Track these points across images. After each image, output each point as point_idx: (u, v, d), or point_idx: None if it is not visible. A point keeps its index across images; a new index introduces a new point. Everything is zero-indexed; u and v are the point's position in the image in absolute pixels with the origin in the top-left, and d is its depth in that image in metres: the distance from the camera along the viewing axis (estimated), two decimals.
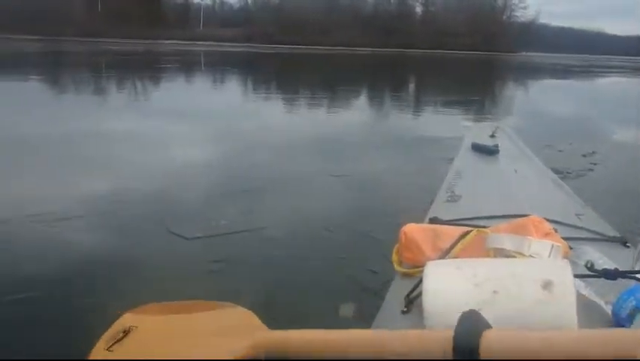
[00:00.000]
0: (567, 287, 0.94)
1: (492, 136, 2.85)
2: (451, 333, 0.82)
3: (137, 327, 1.31)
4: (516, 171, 2.25)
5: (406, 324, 1.05)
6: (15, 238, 2.48)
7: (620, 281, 1.06)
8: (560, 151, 5.24)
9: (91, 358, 1.22)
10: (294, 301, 1.94)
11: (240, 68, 20.52)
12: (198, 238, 2.48)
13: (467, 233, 1.27)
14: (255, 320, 1.18)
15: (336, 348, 0.97)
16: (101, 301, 1.78)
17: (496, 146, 2.60)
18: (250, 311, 1.21)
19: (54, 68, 16.18)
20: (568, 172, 4.27)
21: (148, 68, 18.42)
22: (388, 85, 16.55)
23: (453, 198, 1.85)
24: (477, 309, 0.95)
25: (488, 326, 0.85)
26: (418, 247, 1.29)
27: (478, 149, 2.60)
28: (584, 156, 5.05)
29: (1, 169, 3.78)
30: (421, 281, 1.04)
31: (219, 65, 22.16)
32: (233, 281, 2.08)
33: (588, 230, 1.53)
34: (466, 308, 0.96)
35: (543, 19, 78.82)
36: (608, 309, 1.03)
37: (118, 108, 8.10)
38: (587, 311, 1.00)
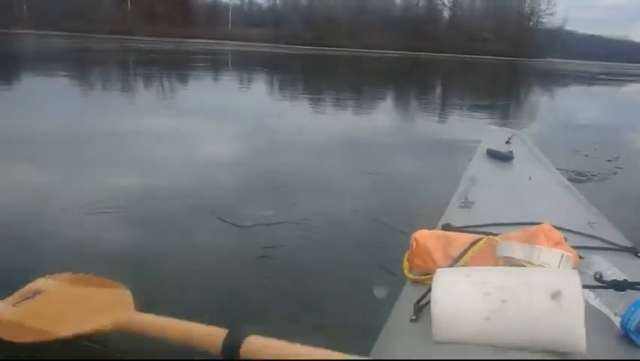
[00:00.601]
0: (576, 298, 0.94)
1: (507, 142, 2.85)
2: (224, 333, 1.01)
3: (45, 291, 1.62)
4: (530, 178, 2.24)
5: (414, 333, 1.06)
6: (78, 224, 2.66)
7: (630, 293, 1.06)
8: (586, 156, 5.27)
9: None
10: (329, 280, 2.14)
11: (270, 69, 20.61)
12: (247, 226, 2.68)
13: (478, 241, 1.28)
14: (129, 301, 1.45)
15: (160, 333, 1.26)
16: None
17: (511, 152, 2.60)
18: (129, 293, 1.49)
19: (88, 66, 16.46)
20: (592, 175, 4.37)
21: (180, 66, 18.66)
22: (417, 87, 16.50)
23: (466, 205, 1.85)
24: (485, 318, 0.97)
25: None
26: (428, 253, 1.30)
27: (493, 155, 2.60)
28: (609, 160, 5.08)
29: (55, 163, 3.97)
30: (430, 289, 1.05)
31: (249, 65, 22.29)
32: (281, 263, 2.28)
33: (600, 239, 1.51)
34: (475, 318, 0.98)
35: (571, 26, 77.60)
36: (617, 320, 1.03)
37: (154, 106, 8.30)
38: (596, 322, 1.01)
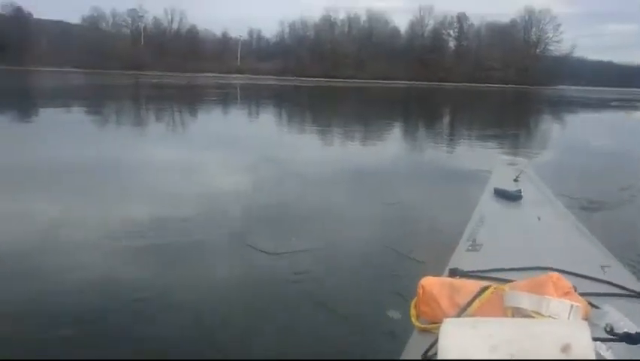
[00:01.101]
0: (586, 351, 0.91)
1: (516, 180, 2.81)
2: None
3: None
4: (539, 219, 2.19)
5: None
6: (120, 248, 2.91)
7: None
8: (599, 183, 5.28)
9: None
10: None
11: (279, 101, 21.04)
12: (277, 253, 2.88)
13: (485, 289, 1.25)
14: None
15: None
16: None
17: (520, 191, 2.55)
18: None
19: (110, 101, 17.07)
20: (605, 203, 4.37)
21: (196, 100, 19.18)
22: (426, 117, 16.60)
23: (474, 248, 1.82)
24: None
25: None
26: (435, 301, 1.27)
27: (501, 194, 2.56)
28: (623, 189, 5.04)
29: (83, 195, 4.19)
30: (437, 341, 1.04)
31: (260, 98, 22.69)
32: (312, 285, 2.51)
33: (612, 284, 1.48)
34: None
35: (580, 53, 77.66)
36: None
37: (174, 138, 8.66)
38: None
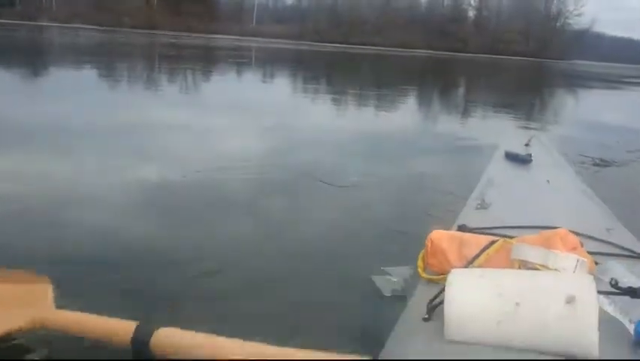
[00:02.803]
0: (590, 304, 0.94)
1: (526, 145, 2.83)
2: (133, 325, 0.99)
3: None
4: (548, 182, 2.23)
5: (426, 331, 1.06)
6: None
7: None
8: (609, 147, 5.73)
9: None
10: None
11: (307, 67, 21.00)
12: (341, 186, 3.48)
13: (493, 243, 1.28)
14: (47, 296, 1.37)
15: (76, 330, 1.23)
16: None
17: (530, 155, 2.59)
18: (49, 286, 1.41)
19: (135, 60, 17.22)
20: (614, 161, 4.97)
21: (221, 61, 19.26)
22: (442, 87, 16.43)
23: (482, 206, 1.85)
24: (498, 320, 0.98)
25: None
26: (443, 254, 1.30)
27: (512, 158, 2.59)
28: (630, 151, 5.56)
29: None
30: (443, 289, 1.06)
31: (284, 62, 22.55)
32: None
33: (616, 245, 1.51)
34: (488, 319, 0.98)
35: (599, 28, 75.73)
36: (631, 328, 1.03)
37: (220, 98, 8.95)
38: (609, 329, 1.00)
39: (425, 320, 1.11)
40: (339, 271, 2.09)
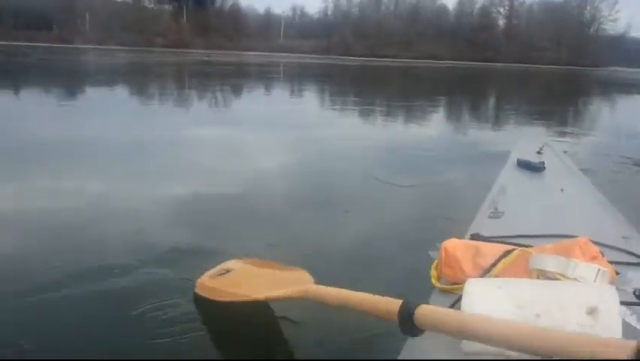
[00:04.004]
0: (613, 315, 0.91)
1: (539, 153, 2.81)
2: (399, 302, 1.07)
3: (234, 269, 2.06)
4: (562, 190, 2.19)
5: (442, 343, 1.03)
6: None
7: None
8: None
9: (199, 282, 2.04)
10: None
11: (336, 81, 21.50)
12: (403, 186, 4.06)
13: (510, 252, 1.24)
14: (308, 278, 1.75)
15: (340, 302, 1.35)
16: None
17: (542, 163, 2.56)
18: (306, 272, 1.80)
19: (176, 78, 18.12)
20: None
21: (259, 77, 20.04)
22: (471, 99, 16.33)
23: (495, 215, 1.82)
24: None
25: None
26: (458, 263, 1.28)
27: (524, 165, 2.56)
28: None
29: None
30: (459, 299, 1.03)
31: (314, 77, 22.99)
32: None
33: (635, 255, 1.46)
34: None
35: (636, 33, 73.77)
36: None
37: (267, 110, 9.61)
38: (632, 340, 0.95)
39: None
40: (405, 244, 2.68)
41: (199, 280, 2.06)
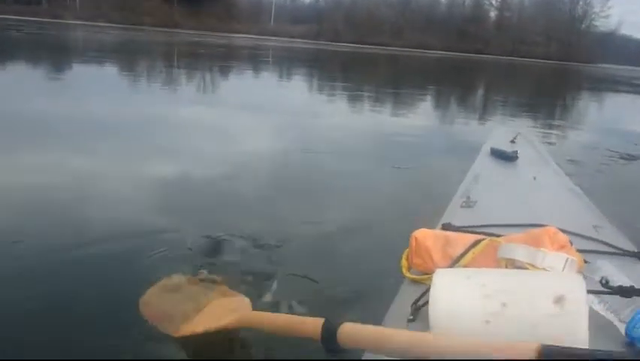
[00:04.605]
0: (580, 303, 0.91)
1: (512, 142, 2.85)
2: (321, 321, 1.09)
3: (181, 288, 1.93)
4: (535, 179, 2.22)
5: None
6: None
7: (636, 299, 1.03)
8: (635, 145, 6.25)
9: (144, 300, 1.86)
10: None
11: (327, 66, 21.60)
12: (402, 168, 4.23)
13: (479, 241, 1.24)
14: (247, 304, 1.71)
15: (272, 328, 1.38)
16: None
17: (516, 152, 2.59)
18: (245, 299, 1.75)
19: (169, 57, 18.10)
20: (630, 155, 5.55)
21: (251, 59, 20.05)
22: (457, 89, 16.39)
23: (468, 204, 1.82)
24: (485, 321, 0.94)
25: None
26: (428, 253, 1.27)
27: (498, 154, 2.59)
28: None
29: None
30: (428, 289, 1.03)
31: (306, 61, 23.09)
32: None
33: (605, 243, 1.48)
34: (474, 319, 0.95)
35: (626, 31, 74.53)
36: (622, 327, 1.00)
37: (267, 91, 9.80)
38: (599, 329, 0.98)
39: (410, 321, 1.08)
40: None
41: (143, 299, 1.91)
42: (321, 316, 1.23)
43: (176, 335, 1.69)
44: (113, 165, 3.75)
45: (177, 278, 2.04)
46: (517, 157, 2.54)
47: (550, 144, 5.99)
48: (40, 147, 4.05)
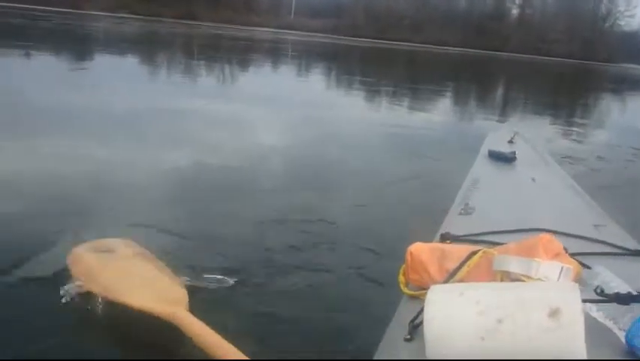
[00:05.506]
0: (575, 315, 0.91)
1: (510, 142, 2.82)
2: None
3: (115, 252, 1.91)
4: (534, 180, 2.20)
5: (409, 353, 1.04)
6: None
7: (635, 306, 1.02)
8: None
9: (76, 252, 1.86)
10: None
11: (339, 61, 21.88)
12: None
13: (474, 254, 1.23)
14: (184, 300, 1.66)
15: (196, 337, 1.45)
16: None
17: (514, 153, 2.56)
18: (185, 294, 1.70)
19: (194, 49, 18.85)
20: None
21: (276, 53, 20.66)
22: (476, 87, 16.25)
23: (467, 211, 1.80)
24: (480, 338, 0.94)
25: None
26: (424, 267, 1.26)
27: (495, 156, 2.56)
28: None
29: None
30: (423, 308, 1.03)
31: (316, 56, 23.20)
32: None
33: (606, 243, 1.46)
34: (470, 337, 0.95)
35: None
36: (621, 335, 0.99)
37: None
38: (599, 337, 0.96)
39: (407, 340, 1.08)
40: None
41: (75, 249, 1.90)
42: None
43: (100, 295, 1.68)
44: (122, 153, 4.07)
45: (113, 241, 2.00)
46: (515, 158, 2.52)
47: (576, 141, 6.29)
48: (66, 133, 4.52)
